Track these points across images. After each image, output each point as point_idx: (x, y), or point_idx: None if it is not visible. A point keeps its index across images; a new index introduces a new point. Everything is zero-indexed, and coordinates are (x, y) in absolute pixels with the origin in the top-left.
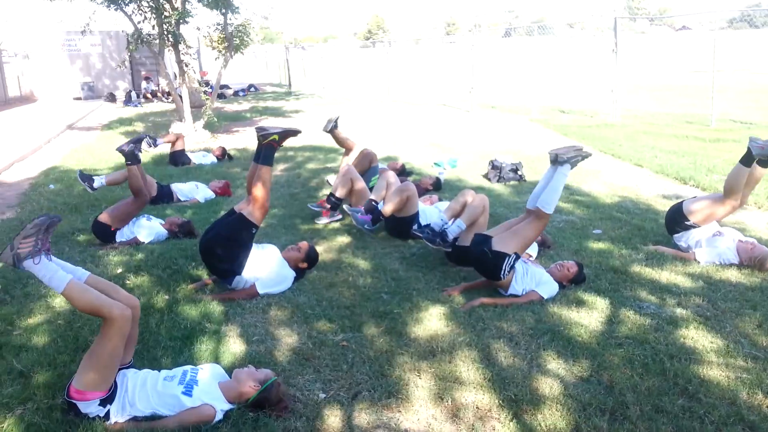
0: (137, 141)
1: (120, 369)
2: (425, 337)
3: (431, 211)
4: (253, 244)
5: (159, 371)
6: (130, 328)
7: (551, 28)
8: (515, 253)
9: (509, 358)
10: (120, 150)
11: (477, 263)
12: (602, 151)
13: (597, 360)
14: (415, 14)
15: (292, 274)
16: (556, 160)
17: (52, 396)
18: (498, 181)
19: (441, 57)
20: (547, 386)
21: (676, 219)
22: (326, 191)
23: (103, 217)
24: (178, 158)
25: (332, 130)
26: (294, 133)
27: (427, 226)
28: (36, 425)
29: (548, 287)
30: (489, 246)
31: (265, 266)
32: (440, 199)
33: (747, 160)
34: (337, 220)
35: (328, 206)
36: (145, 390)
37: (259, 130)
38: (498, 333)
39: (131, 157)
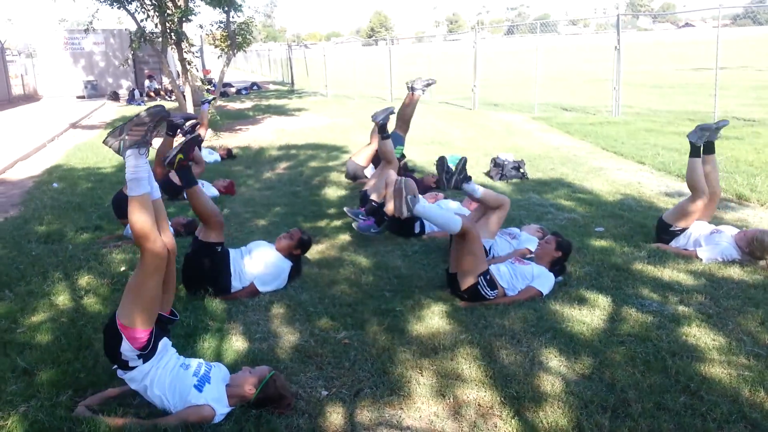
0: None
1: (164, 330)
2: (427, 334)
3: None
4: (239, 249)
5: (179, 356)
6: (166, 269)
7: (554, 26)
8: (481, 274)
9: (511, 356)
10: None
11: (463, 299)
12: (604, 149)
13: (599, 357)
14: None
15: (287, 264)
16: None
17: (56, 393)
18: (500, 178)
19: (443, 55)
20: (549, 384)
21: (663, 229)
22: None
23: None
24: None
25: (383, 127)
26: (194, 140)
27: (449, 170)
28: (40, 422)
29: (543, 279)
30: (458, 289)
31: (258, 263)
32: (445, 197)
33: (693, 151)
34: (378, 232)
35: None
36: (165, 371)
37: (168, 164)
38: (500, 330)
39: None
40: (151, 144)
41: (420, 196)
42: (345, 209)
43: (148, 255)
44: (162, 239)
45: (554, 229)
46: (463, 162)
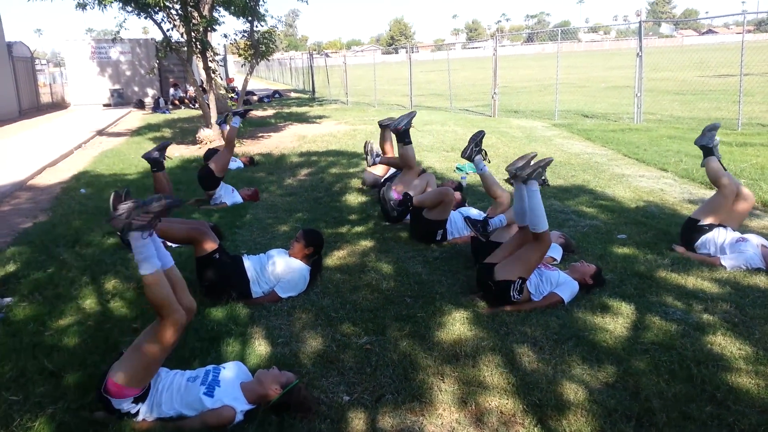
0: (162, 148)
1: None
2: (449, 341)
3: (456, 216)
4: (258, 256)
5: (184, 372)
6: (180, 335)
7: (575, 33)
8: (520, 278)
9: (533, 363)
10: (145, 157)
11: (485, 293)
12: (626, 155)
13: (622, 366)
14: (437, 20)
15: (305, 268)
16: (516, 177)
17: (82, 396)
18: None
19: (463, 62)
20: (572, 392)
21: (690, 228)
22: (349, 196)
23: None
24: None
25: (406, 132)
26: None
27: (468, 217)
28: (66, 425)
29: (567, 287)
30: (491, 278)
31: (277, 270)
32: (464, 204)
33: (706, 152)
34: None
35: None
36: (171, 391)
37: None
38: (522, 338)
39: (155, 163)
40: (155, 228)
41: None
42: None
43: (168, 325)
44: (179, 309)
45: (576, 236)
46: (481, 135)
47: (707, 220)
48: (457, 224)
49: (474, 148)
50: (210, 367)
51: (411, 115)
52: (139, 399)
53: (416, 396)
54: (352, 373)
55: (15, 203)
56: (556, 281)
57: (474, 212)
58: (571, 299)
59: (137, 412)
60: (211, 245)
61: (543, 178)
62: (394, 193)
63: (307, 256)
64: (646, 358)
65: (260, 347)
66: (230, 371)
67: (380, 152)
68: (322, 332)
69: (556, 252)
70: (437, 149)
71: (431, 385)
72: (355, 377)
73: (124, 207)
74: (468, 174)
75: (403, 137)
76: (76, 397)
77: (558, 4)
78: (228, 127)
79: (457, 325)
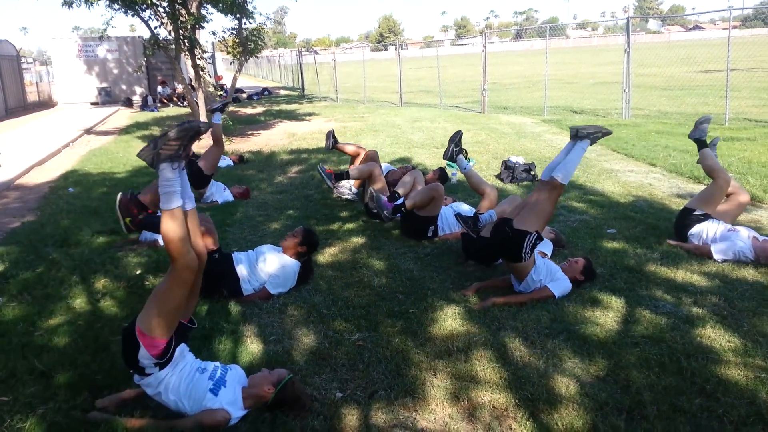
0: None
1: (182, 338)
2: (441, 336)
3: (447, 212)
4: (246, 253)
5: (195, 359)
6: (194, 280)
7: (563, 29)
8: (536, 231)
9: (525, 358)
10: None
11: (498, 246)
12: (615, 151)
13: (613, 359)
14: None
15: (295, 264)
16: (576, 135)
17: (73, 396)
18: (511, 181)
19: (453, 59)
20: (564, 385)
21: (685, 216)
22: (336, 195)
23: (144, 199)
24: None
25: (334, 146)
26: (126, 198)
27: (459, 213)
28: (57, 425)
29: (560, 284)
30: (510, 225)
31: (266, 266)
32: (455, 201)
33: (700, 145)
34: (387, 218)
35: (333, 178)
36: (181, 375)
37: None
38: (513, 332)
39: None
40: (185, 158)
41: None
42: (371, 189)
43: (180, 267)
44: (192, 254)
45: (566, 231)
46: (459, 135)
47: (703, 209)
48: (448, 220)
49: (454, 149)
50: (218, 363)
51: (330, 134)
52: (161, 365)
53: (409, 391)
54: (344, 370)
55: (3, 203)
56: (554, 274)
57: (465, 208)
58: (561, 296)
59: (149, 375)
60: (213, 245)
61: (533, 173)
62: (386, 203)
63: (299, 254)
64: (637, 352)
65: (252, 345)
66: (234, 374)
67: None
68: (314, 329)
69: (546, 247)
70: (427, 146)
71: (424, 381)
72: (347, 374)
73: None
74: (458, 170)
75: (333, 145)
76: (67, 397)
77: (546, 1)
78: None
79: (449, 320)
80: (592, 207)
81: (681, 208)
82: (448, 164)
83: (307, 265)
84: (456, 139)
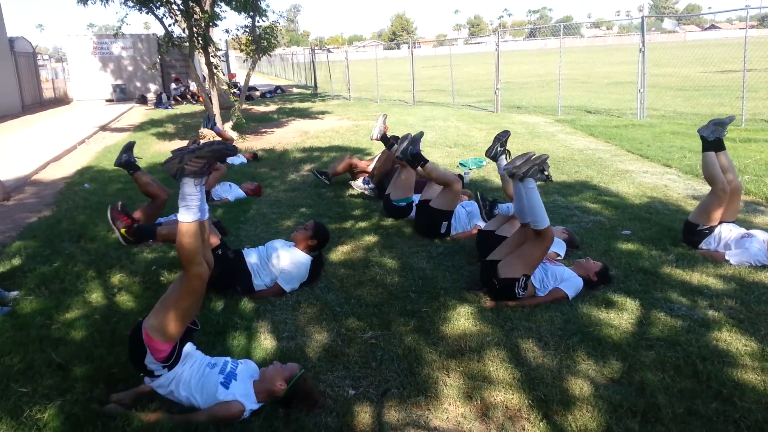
0: (129, 149)
1: (187, 338)
2: (453, 335)
3: (459, 211)
4: (257, 249)
5: (204, 356)
6: (203, 288)
7: (577, 28)
8: (524, 275)
9: (538, 358)
10: (117, 164)
11: (490, 290)
12: (630, 151)
13: (628, 361)
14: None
15: (306, 258)
16: (513, 176)
17: (90, 388)
18: None
19: (465, 57)
20: (578, 387)
21: (690, 231)
22: (352, 191)
23: (138, 215)
24: None
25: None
26: (116, 210)
27: (480, 192)
28: (75, 417)
29: (571, 283)
30: (495, 276)
31: (278, 261)
32: (469, 200)
33: (705, 146)
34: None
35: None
36: (192, 372)
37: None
38: (526, 333)
39: (129, 166)
40: (208, 176)
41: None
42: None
43: (193, 278)
44: (204, 265)
45: (580, 232)
46: (506, 136)
47: (706, 223)
48: (461, 219)
49: (499, 148)
50: (228, 358)
51: (415, 138)
52: (169, 366)
53: (422, 390)
54: (357, 367)
55: (19, 198)
56: (560, 276)
57: (475, 207)
58: (575, 295)
59: (159, 376)
60: (214, 240)
61: (546, 173)
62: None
63: (309, 248)
64: (652, 354)
65: (266, 341)
66: (246, 368)
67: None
68: (327, 327)
69: (560, 247)
70: (440, 145)
71: (436, 380)
72: (360, 371)
73: (177, 153)
74: (471, 170)
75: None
76: (84, 389)
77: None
78: (219, 129)
79: (461, 320)
80: (607, 208)
81: (686, 218)
82: (460, 163)
83: (318, 259)
84: (503, 139)
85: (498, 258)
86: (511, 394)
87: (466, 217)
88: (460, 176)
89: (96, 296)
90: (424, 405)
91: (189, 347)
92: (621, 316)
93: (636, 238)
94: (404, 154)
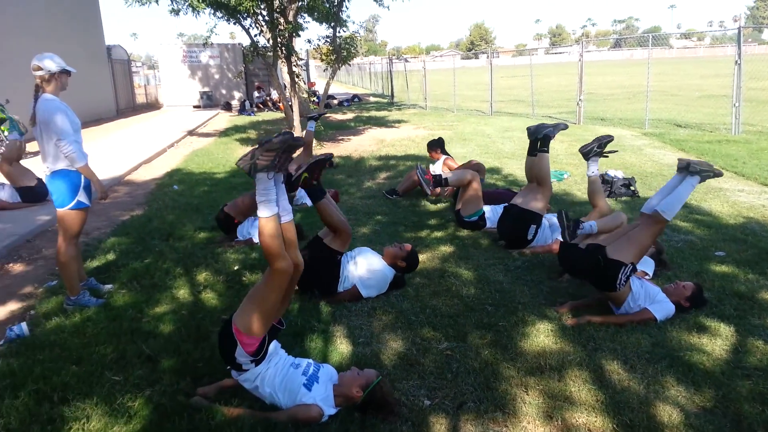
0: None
1: (273, 337)
2: (532, 352)
3: (542, 222)
4: (344, 254)
5: (288, 355)
6: (288, 285)
7: (666, 39)
8: (631, 263)
9: (624, 381)
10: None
11: (590, 274)
12: (723, 168)
13: (721, 390)
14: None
15: (390, 271)
16: (687, 168)
17: (177, 380)
18: (609, 196)
19: (546, 67)
20: (666, 414)
21: None
22: (428, 200)
23: (229, 209)
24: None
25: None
26: (322, 161)
27: (563, 211)
28: (163, 407)
29: (662, 306)
30: (603, 254)
31: (362, 268)
32: (549, 211)
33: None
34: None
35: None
36: (276, 369)
37: (294, 182)
38: (611, 354)
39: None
40: (280, 169)
41: None
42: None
43: (276, 271)
44: (288, 259)
45: (670, 252)
46: (608, 139)
47: None
48: (543, 230)
49: (596, 149)
50: (310, 360)
51: (559, 127)
52: (257, 361)
53: (499, 406)
54: (432, 378)
55: (114, 196)
56: (653, 297)
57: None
58: (664, 320)
59: (246, 371)
60: (343, 247)
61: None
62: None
63: (396, 266)
64: (749, 384)
65: (342, 346)
66: (326, 371)
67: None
68: (402, 335)
69: (648, 266)
70: (518, 156)
71: (515, 396)
72: (435, 382)
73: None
74: (564, 178)
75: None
76: (171, 381)
77: (648, 9)
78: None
79: (541, 336)
80: (698, 227)
81: None
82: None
83: (401, 279)
84: (603, 141)
85: (607, 244)
86: (594, 416)
87: (549, 230)
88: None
89: (183, 292)
90: (501, 421)
91: (273, 346)
92: (714, 341)
93: (731, 260)
94: (539, 134)
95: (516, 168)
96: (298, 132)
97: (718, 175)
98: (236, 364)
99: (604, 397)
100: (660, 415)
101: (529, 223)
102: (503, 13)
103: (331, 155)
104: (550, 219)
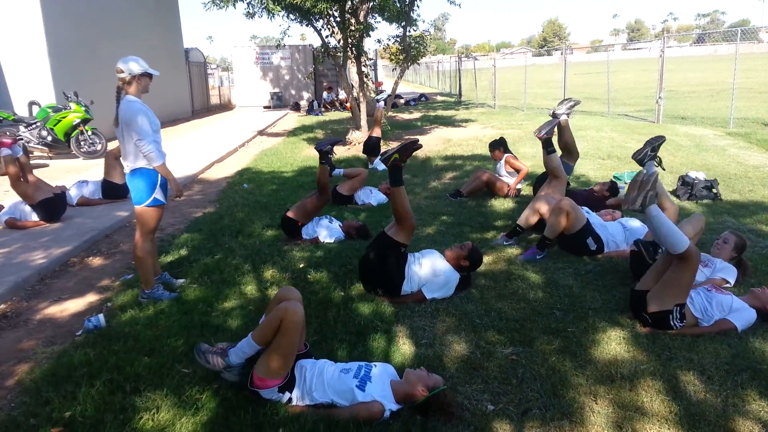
0: (333, 143)
1: (297, 359)
2: (603, 360)
3: (615, 227)
4: (412, 254)
5: (335, 363)
6: (303, 322)
7: (755, 33)
8: (676, 305)
9: (700, 393)
10: (318, 149)
11: (643, 323)
12: None
13: None
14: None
15: (456, 275)
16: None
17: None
18: (689, 198)
19: (623, 64)
20: (747, 429)
21: None
22: (494, 201)
23: (291, 213)
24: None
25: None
26: (413, 145)
27: (638, 240)
28: (229, 401)
29: (743, 315)
30: (645, 310)
31: (427, 271)
32: (623, 216)
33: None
34: (511, 244)
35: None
36: (322, 380)
37: (384, 160)
38: (687, 365)
39: (324, 156)
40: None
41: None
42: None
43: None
44: (292, 306)
45: (754, 258)
46: (660, 141)
47: None
48: (615, 237)
49: (649, 153)
50: (362, 363)
51: (552, 123)
52: (284, 388)
53: (566, 414)
54: (496, 383)
55: (188, 194)
56: (728, 307)
57: (636, 224)
58: (745, 328)
59: (289, 400)
60: (407, 239)
61: (657, 160)
62: (528, 252)
63: (460, 266)
64: None
65: (404, 346)
66: (380, 370)
67: None
68: (465, 338)
69: (729, 273)
70: (592, 156)
71: (583, 405)
72: (500, 387)
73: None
74: (626, 183)
75: (546, 146)
76: None
77: (735, 2)
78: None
79: (612, 344)
80: None
81: None
82: (615, 177)
83: (467, 279)
84: (656, 143)
85: (645, 288)
86: (668, 428)
87: (623, 235)
88: (615, 186)
89: (251, 288)
90: (568, 429)
91: (302, 363)
92: None
93: None
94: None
95: (589, 168)
96: (364, 129)
97: (652, 180)
98: (271, 400)
99: (678, 408)
100: (740, 430)
101: (581, 240)
102: (578, 9)
103: (417, 140)
104: (625, 222)
